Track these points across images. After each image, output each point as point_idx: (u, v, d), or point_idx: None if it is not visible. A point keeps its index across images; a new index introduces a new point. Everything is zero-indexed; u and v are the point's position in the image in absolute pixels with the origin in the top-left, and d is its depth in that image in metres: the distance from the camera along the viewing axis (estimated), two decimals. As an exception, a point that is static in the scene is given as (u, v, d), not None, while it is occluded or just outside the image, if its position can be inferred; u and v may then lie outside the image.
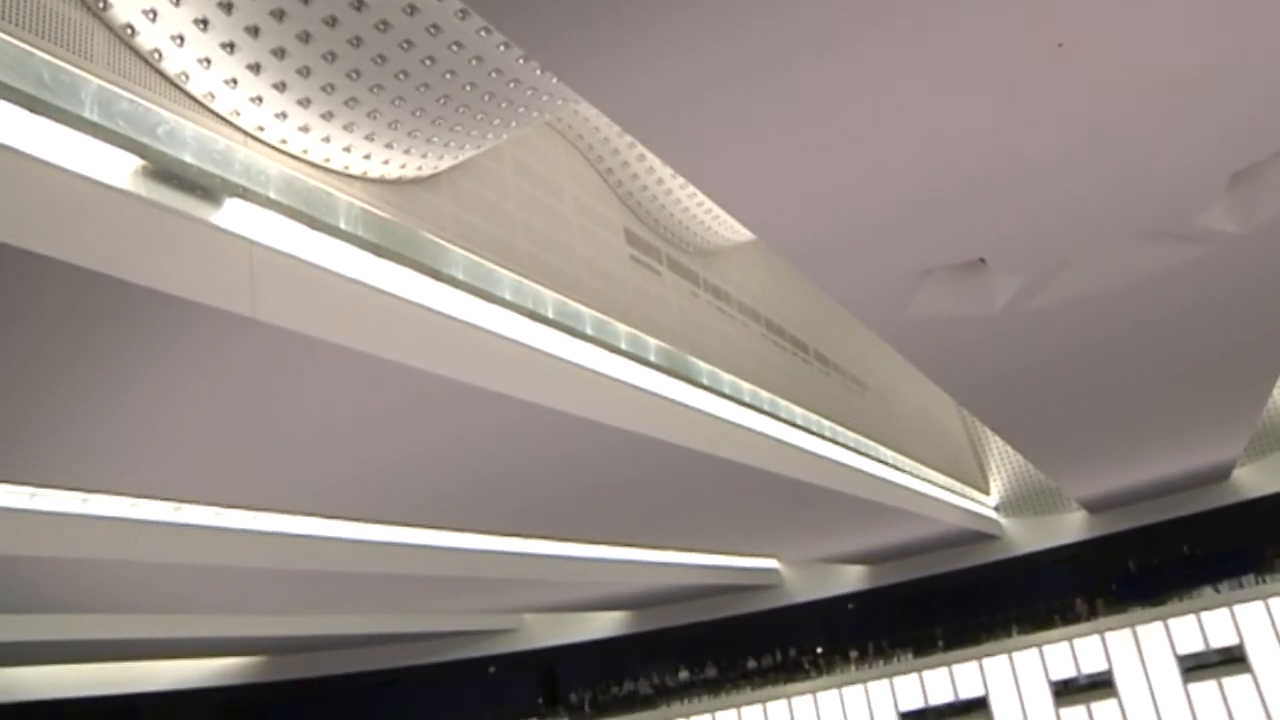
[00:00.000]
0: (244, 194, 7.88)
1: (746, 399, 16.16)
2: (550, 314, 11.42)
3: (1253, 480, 31.71)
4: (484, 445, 12.59)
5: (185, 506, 13.99)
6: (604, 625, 34.64)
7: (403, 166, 9.78)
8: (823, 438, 19.16)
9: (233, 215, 7.75)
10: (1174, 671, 29.41)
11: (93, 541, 13.43)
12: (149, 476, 12.02)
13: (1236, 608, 29.35)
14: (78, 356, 7.93)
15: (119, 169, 6.91)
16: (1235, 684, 28.84)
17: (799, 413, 18.18)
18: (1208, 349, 15.53)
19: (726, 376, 15.64)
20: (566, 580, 24.80)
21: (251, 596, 20.85)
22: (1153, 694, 29.35)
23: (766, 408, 16.86)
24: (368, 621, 27.89)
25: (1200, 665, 29.41)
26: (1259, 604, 29.18)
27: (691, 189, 14.67)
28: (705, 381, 14.92)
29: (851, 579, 34.63)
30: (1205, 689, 29.05)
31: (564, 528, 20.04)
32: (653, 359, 13.60)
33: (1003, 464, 33.91)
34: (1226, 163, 9.15)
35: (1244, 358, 16.67)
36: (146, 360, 8.25)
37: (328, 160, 9.17)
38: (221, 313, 7.43)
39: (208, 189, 7.59)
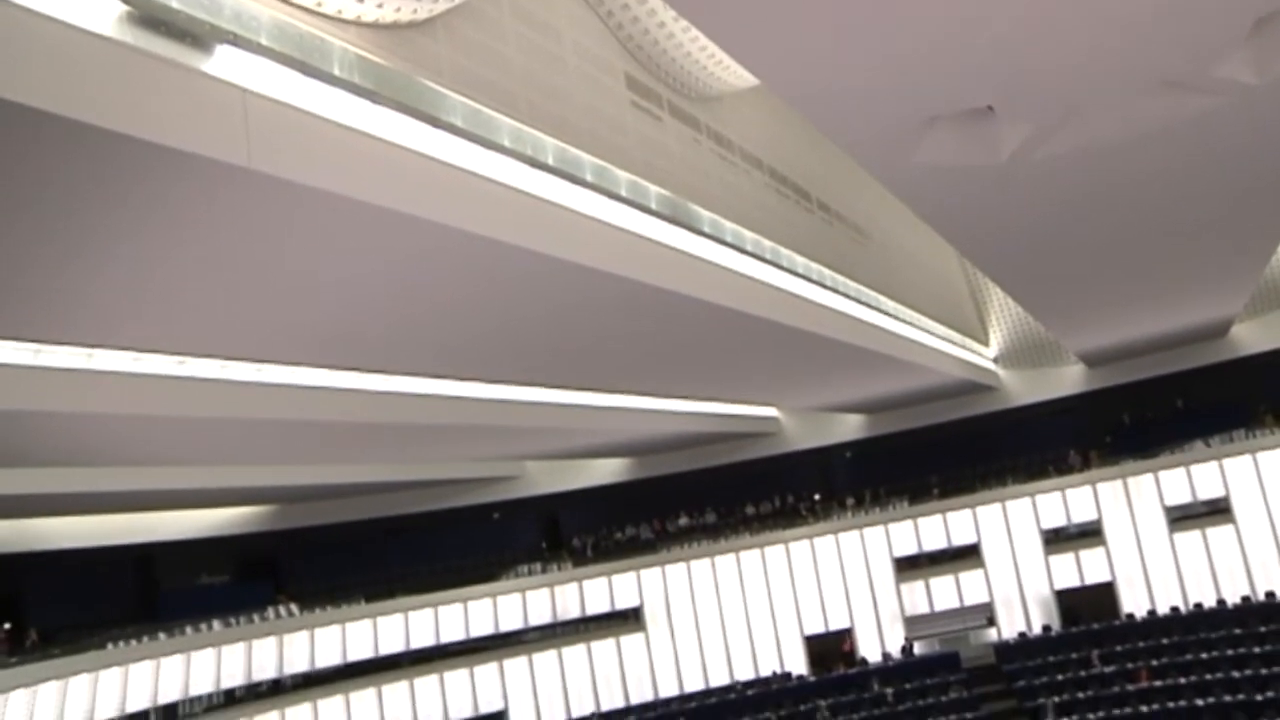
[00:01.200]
0: (235, 40, 7.64)
1: (748, 247, 16.05)
2: (550, 160, 11.22)
3: (1249, 337, 31.91)
4: (485, 294, 12.59)
5: (189, 360, 14.07)
6: (605, 472, 35.32)
7: (397, 10, 9.48)
8: (824, 286, 19.10)
9: (224, 63, 7.53)
10: (1161, 521, 30.17)
11: (100, 396, 13.56)
12: (151, 330, 12.08)
13: (1225, 461, 29.97)
14: (72, 211, 7.83)
15: (102, 15, 6.65)
16: (1218, 533, 29.69)
17: (800, 261, 18.08)
18: (1215, 203, 15.35)
19: (728, 224, 15.50)
20: (568, 428, 25.17)
21: (260, 447, 21.21)
22: (1139, 542, 30.18)
23: (768, 256, 16.76)
24: (375, 470, 28.41)
25: (1186, 516, 30.18)
26: (1247, 458, 29.81)
27: (694, 32, 14.25)
28: (707, 229, 14.78)
29: (850, 428, 35.14)
30: (1189, 538, 29.90)
31: (566, 376, 20.23)
32: (654, 206, 13.43)
33: (1002, 316, 34.01)
34: (1250, 7, 8.85)
35: (1249, 214, 16.50)
36: (143, 213, 8.16)
37: (320, 4, 8.88)
38: (216, 163, 7.30)
39: (197, 36, 7.35)
